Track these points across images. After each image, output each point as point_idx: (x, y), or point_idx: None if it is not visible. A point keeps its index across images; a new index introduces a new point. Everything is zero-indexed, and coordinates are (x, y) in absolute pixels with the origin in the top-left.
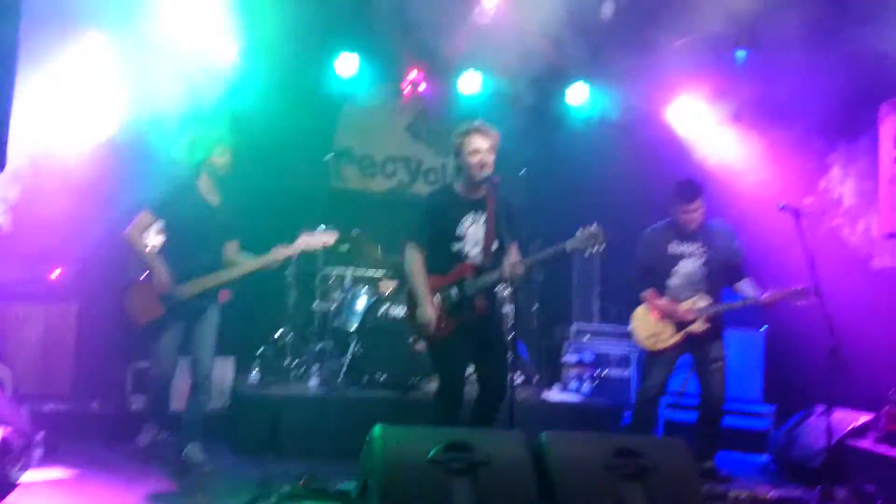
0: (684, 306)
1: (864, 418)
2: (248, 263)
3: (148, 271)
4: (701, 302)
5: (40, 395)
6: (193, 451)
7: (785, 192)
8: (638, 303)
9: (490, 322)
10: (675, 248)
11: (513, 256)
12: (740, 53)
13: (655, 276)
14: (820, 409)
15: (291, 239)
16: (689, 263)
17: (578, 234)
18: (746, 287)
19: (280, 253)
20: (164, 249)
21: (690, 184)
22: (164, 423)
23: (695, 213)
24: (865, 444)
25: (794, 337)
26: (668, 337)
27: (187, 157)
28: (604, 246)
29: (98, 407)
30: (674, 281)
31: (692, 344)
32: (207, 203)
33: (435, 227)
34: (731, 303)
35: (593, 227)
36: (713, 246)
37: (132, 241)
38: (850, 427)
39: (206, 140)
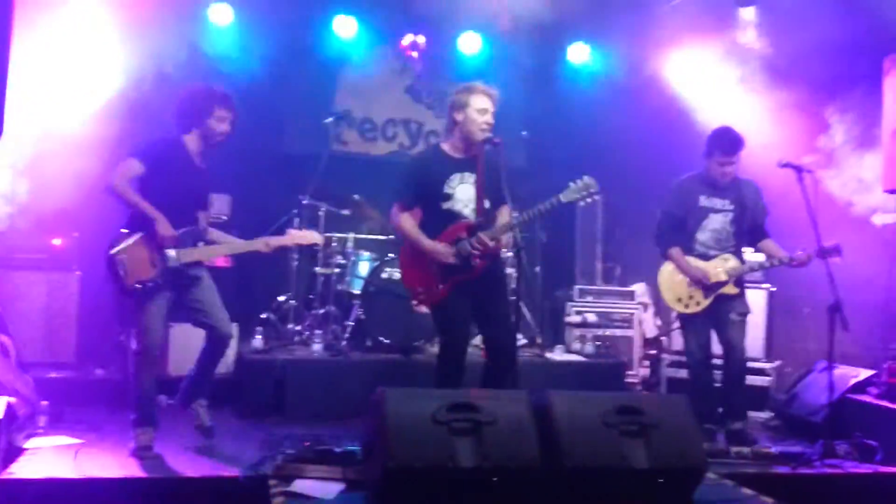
0: (713, 266)
1: (865, 374)
2: (238, 246)
3: (126, 224)
4: (731, 262)
5: (44, 363)
6: (200, 409)
7: (787, 150)
8: (649, 257)
9: (490, 282)
10: (705, 200)
11: (504, 218)
12: (742, 10)
13: (683, 228)
14: (821, 365)
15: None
16: (719, 219)
17: (572, 185)
18: (771, 247)
19: (273, 243)
20: None
21: (731, 134)
22: (156, 422)
23: (731, 167)
24: (867, 398)
25: (795, 294)
26: (697, 301)
27: (183, 110)
28: (598, 196)
29: (102, 374)
30: (702, 236)
31: (716, 299)
32: (195, 164)
33: (421, 187)
34: (762, 263)
35: (586, 178)
36: (742, 203)
37: (121, 191)
38: (852, 382)
39: (208, 98)
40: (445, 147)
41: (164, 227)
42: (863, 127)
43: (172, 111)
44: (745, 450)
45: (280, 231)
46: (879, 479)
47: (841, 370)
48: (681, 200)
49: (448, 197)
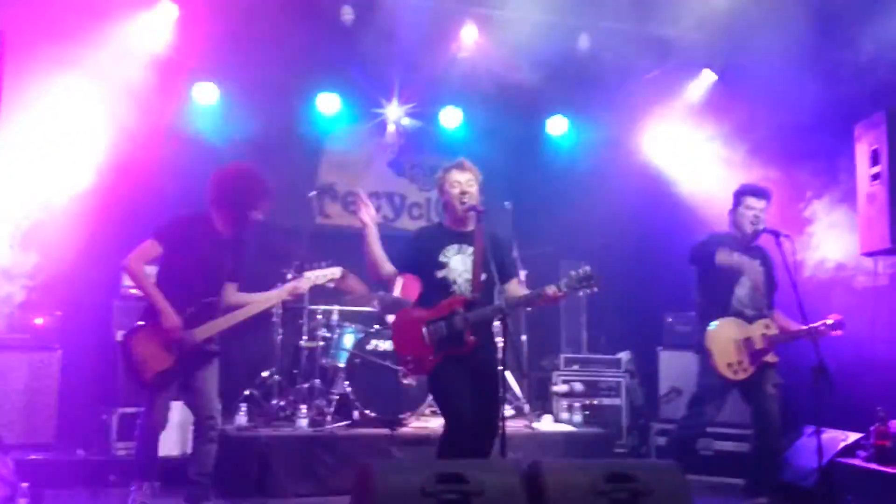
0: (755, 331)
1: (853, 437)
2: (260, 301)
3: (143, 316)
4: (772, 329)
5: (24, 445)
6: None
7: (769, 202)
8: (633, 325)
9: (481, 356)
10: (737, 257)
11: (515, 290)
12: (718, 79)
13: (718, 288)
14: (809, 430)
15: (287, 278)
16: (751, 279)
17: (573, 274)
18: (780, 318)
19: (293, 288)
20: (163, 285)
21: (758, 185)
22: (155, 477)
23: (762, 213)
24: (856, 461)
25: (779, 358)
26: (746, 367)
27: (231, 191)
28: (597, 288)
29: (83, 454)
30: (740, 292)
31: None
32: (222, 237)
33: (418, 255)
34: (799, 330)
35: (587, 268)
36: (768, 263)
37: (134, 271)
38: (841, 446)
39: (259, 192)
40: (444, 223)
41: (167, 320)
42: (839, 192)
43: (212, 184)
44: None
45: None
46: None
47: (829, 434)
48: (718, 245)
49: (442, 265)
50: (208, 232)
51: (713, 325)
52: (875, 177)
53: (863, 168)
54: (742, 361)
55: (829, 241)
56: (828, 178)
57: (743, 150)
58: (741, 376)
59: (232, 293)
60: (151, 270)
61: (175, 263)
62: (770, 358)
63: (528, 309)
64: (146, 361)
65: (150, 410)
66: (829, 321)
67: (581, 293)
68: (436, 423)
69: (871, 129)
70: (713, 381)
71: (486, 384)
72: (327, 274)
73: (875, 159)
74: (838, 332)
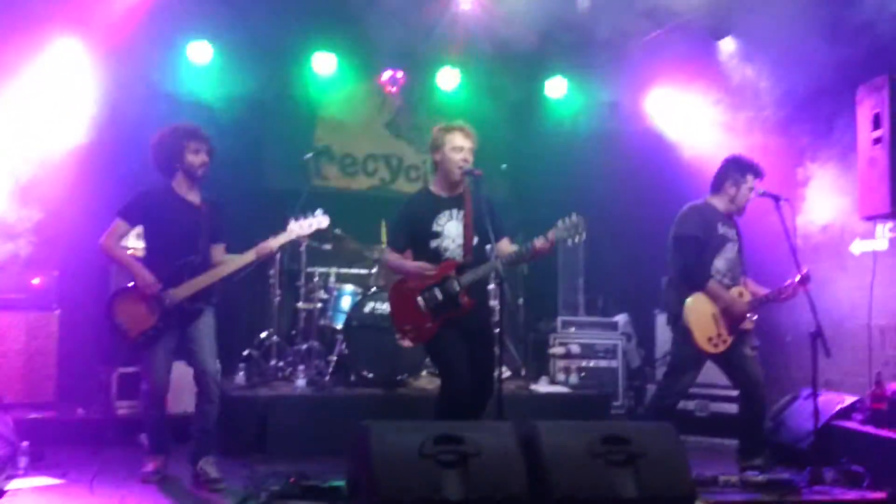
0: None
1: (849, 399)
2: (241, 257)
3: (133, 280)
4: (746, 295)
5: (24, 404)
6: (207, 466)
7: (764, 180)
8: (631, 288)
9: (477, 318)
10: (722, 228)
11: (505, 248)
12: (719, 42)
13: (703, 257)
14: (806, 392)
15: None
16: (731, 249)
17: (560, 223)
18: (750, 284)
19: (273, 242)
20: (147, 256)
21: (757, 162)
22: (167, 450)
23: (751, 193)
24: (852, 424)
25: (776, 323)
26: (725, 338)
27: (160, 154)
28: (584, 235)
29: (83, 413)
30: (719, 263)
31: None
32: (188, 202)
33: (411, 228)
34: (771, 294)
35: (574, 217)
36: (741, 233)
37: (108, 249)
38: (837, 408)
39: (177, 136)
40: (434, 188)
41: (140, 279)
42: (839, 155)
43: (151, 161)
44: (734, 478)
45: (268, 261)
46: None
47: (826, 396)
48: (703, 226)
49: (436, 234)
50: (172, 198)
51: (689, 300)
52: (876, 140)
53: (864, 132)
54: (721, 334)
55: (828, 205)
56: (828, 141)
57: (743, 114)
58: (721, 348)
59: (220, 254)
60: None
61: (151, 234)
62: (747, 324)
63: (525, 271)
64: (129, 322)
65: (148, 371)
66: (796, 278)
67: (570, 242)
68: (433, 385)
69: (873, 92)
70: (690, 352)
71: (482, 345)
72: (312, 223)
73: (877, 123)
74: (808, 287)
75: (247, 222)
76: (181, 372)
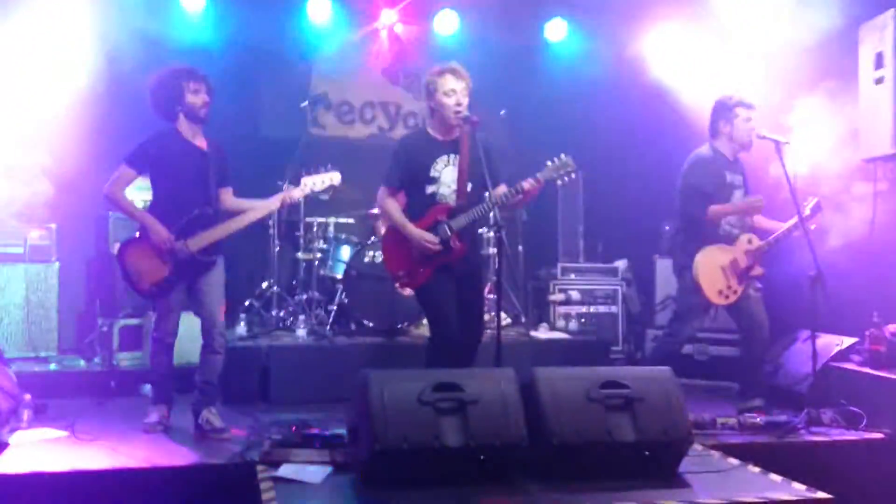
0: (738, 249)
1: (848, 341)
2: (257, 209)
3: (139, 230)
4: (755, 241)
5: (26, 357)
6: (211, 416)
7: (764, 122)
8: (631, 233)
9: (468, 262)
10: (730, 177)
11: (500, 192)
12: None
13: (708, 206)
14: (804, 334)
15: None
16: (738, 196)
17: (549, 164)
18: (763, 221)
19: (290, 195)
20: (154, 205)
21: (738, 96)
22: (170, 400)
23: (753, 124)
24: (850, 366)
25: (776, 266)
26: (736, 289)
27: (159, 98)
28: (574, 175)
29: (85, 366)
30: (729, 217)
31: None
32: (195, 146)
33: (408, 171)
34: (776, 237)
35: (563, 157)
36: (747, 177)
37: (114, 198)
38: (835, 350)
39: (174, 78)
40: (431, 130)
41: (155, 233)
42: (840, 97)
43: (151, 106)
44: (732, 420)
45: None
46: (864, 445)
47: (824, 339)
48: (709, 176)
49: (433, 180)
50: (179, 143)
51: (699, 255)
52: (878, 80)
53: (866, 71)
54: (731, 285)
55: (829, 146)
56: (830, 81)
57: (744, 55)
58: (732, 299)
59: (229, 198)
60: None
61: (159, 181)
62: (757, 271)
63: (524, 217)
64: (141, 273)
65: (159, 320)
66: (807, 209)
67: (559, 181)
68: None
69: (876, 31)
70: (697, 300)
71: (472, 289)
72: (325, 179)
73: (879, 62)
74: (819, 216)
75: (244, 171)
76: (186, 323)
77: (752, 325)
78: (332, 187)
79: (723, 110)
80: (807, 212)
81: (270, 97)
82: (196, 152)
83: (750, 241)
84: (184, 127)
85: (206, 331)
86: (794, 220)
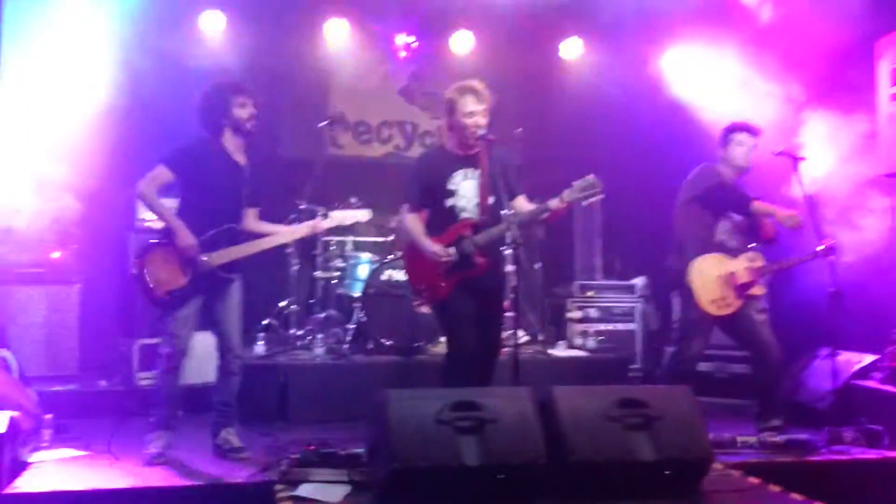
0: (739, 265)
1: (868, 359)
2: (282, 234)
3: (161, 235)
4: (758, 262)
5: (47, 377)
6: (229, 436)
7: (781, 139)
8: (649, 250)
9: (491, 279)
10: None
11: (522, 205)
12: None
13: (702, 221)
14: (824, 352)
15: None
16: (734, 218)
17: (576, 184)
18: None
19: (318, 226)
20: (181, 212)
21: (747, 121)
22: (173, 426)
23: (749, 149)
24: (871, 384)
25: (794, 283)
26: (731, 302)
27: (205, 113)
28: (601, 196)
29: (105, 385)
30: (724, 227)
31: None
32: (235, 161)
33: (426, 184)
34: (787, 260)
35: (590, 177)
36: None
37: (146, 196)
38: (856, 368)
39: (222, 92)
40: (449, 145)
41: (182, 239)
42: (857, 112)
43: (198, 122)
44: (752, 439)
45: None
46: (887, 465)
47: (844, 356)
48: (711, 184)
49: (451, 193)
50: (218, 153)
51: (696, 262)
52: None
53: (884, 87)
54: (726, 297)
55: (847, 161)
56: (846, 97)
57: (761, 72)
58: (725, 311)
59: (253, 219)
60: (173, 204)
61: (192, 189)
62: (757, 290)
63: (541, 235)
64: (159, 279)
65: (170, 335)
66: (821, 247)
67: (585, 202)
68: None
69: (893, 45)
70: (697, 315)
71: (492, 306)
72: (356, 216)
73: None
74: (831, 258)
75: (262, 190)
76: (204, 342)
77: (760, 347)
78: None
79: (724, 133)
80: (821, 248)
81: (289, 117)
82: (235, 168)
83: (752, 259)
84: (228, 141)
85: (223, 353)
86: (809, 255)
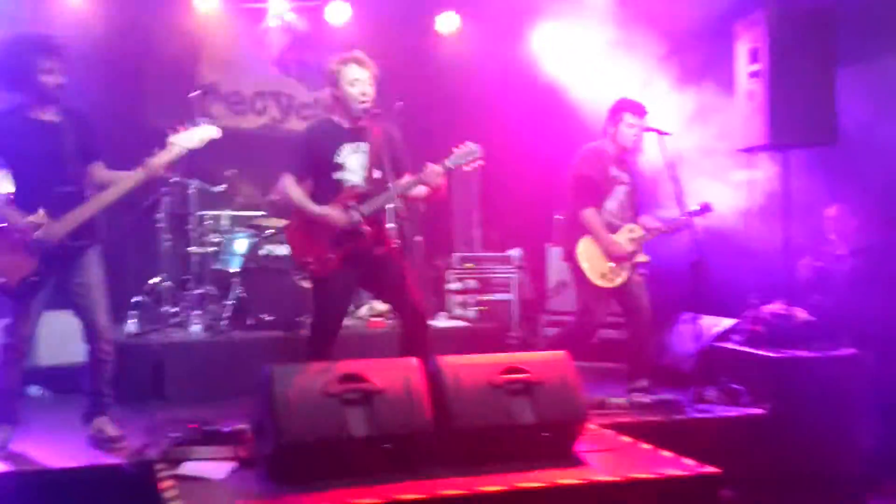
0: (621, 237)
1: (728, 322)
2: (128, 176)
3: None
4: (637, 231)
5: None
6: (103, 425)
7: (644, 117)
8: (526, 222)
9: (379, 250)
10: (615, 171)
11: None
12: None
13: (595, 196)
14: (687, 316)
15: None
16: (621, 191)
17: (456, 151)
18: (648, 220)
19: (160, 160)
20: (16, 195)
21: (635, 101)
22: (16, 420)
23: (638, 130)
24: (731, 345)
25: (659, 251)
26: (619, 273)
27: (3, 71)
28: (481, 162)
29: None
30: (610, 205)
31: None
32: (43, 121)
33: (313, 157)
34: (664, 224)
35: (470, 144)
36: (634, 174)
37: None
38: (716, 331)
39: (26, 51)
40: (336, 118)
41: (11, 220)
42: (718, 89)
43: None
44: (622, 400)
45: (155, 205)
46: (747, 420)
47: (705, 320)
48: (597, 166)
49: (339, 167)
50: (25, 120)
51: (581, 243)
52: (754, 74)
53: (742, 65)
54: (613, 269)
55: (705, 136)
56: (707, 75)
57: (629, 50)
58: (618, 282)
59: (100, 172)
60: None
61: (11, 166)
62: (641, 258)
63: (421, 208)
64: (7, 270)
65: (17, 324)
66: (695, 207)
67: (467, 168)
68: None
69: (751, 27)
70: (590, 290)
71: (390, 271)
72: (203, 134)
73: (754, 57)
74: (706, 214)
75: (134, 162)
76: (65, 320)
77: (635, 308)
78: (213, 140)
79: (612, 112)
80: (695, 207)
81: (157, 86)
82: (45, 129)
83: (631, 230)
84: (35, 106)
85: (89, 336)
86: (681, 216)
